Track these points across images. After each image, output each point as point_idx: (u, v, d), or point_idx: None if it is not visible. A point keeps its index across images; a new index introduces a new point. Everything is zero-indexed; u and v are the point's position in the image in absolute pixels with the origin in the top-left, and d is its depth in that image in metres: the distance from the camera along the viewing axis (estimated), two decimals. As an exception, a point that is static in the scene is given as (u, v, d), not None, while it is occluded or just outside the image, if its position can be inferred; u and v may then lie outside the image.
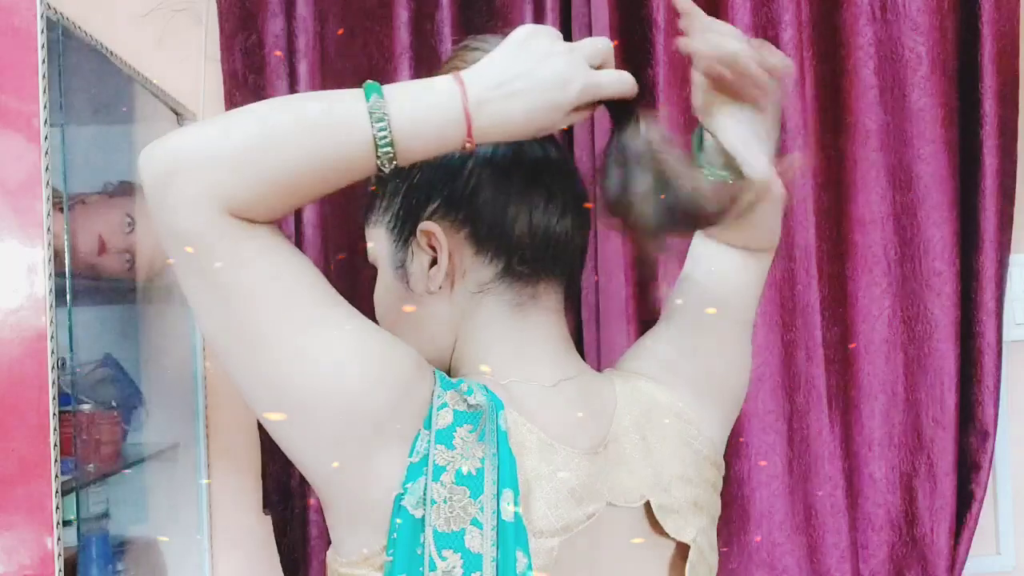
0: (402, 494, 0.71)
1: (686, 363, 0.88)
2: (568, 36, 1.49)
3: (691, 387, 0.87)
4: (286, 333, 0.70)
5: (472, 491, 0.72)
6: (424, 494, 0.71)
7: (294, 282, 0.71)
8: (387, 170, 0.70)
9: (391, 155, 0.69)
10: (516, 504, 0.72)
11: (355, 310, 0.73)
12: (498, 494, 0.72)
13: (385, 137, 0.68)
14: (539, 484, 0.75)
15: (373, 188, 0.86)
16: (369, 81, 0.70)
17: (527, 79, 0.70)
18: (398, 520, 0.70)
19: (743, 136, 0.80)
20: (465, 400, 0.74)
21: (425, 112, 0.69)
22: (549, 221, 0.81)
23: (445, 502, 0.71)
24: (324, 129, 0.68)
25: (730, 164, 0.81)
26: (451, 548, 0.70)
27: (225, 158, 0.67)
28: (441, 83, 0.71)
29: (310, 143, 0.68)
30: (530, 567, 0.71)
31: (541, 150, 0.82)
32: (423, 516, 0.70)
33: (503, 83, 0.70)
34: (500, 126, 0.71)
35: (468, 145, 0.71)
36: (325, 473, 0.73)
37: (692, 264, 0.93)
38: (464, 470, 0.72)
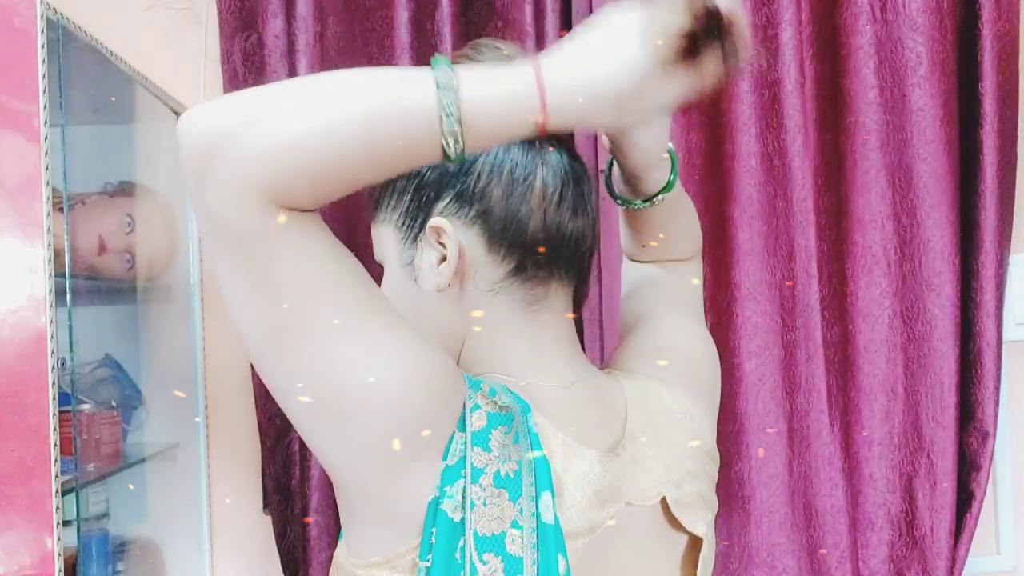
0: (439, 497, 0.69)
1: (669, 360, 0.89)
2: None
3: (681, 380, 0.88)
4: (331, 331, 0.67)
5: (511, 494, 0.71)
6: (463, 497, 0.69)
7: (340, 277, 0.68)
8: (453, 154, 0.65)
9: (458, 136, 0.64)
10: (555, 507, 0.71)
11: (395, 309, 0.72)
12: (537, 497, 0.71)
13: (452, 120, 0.64)
14: (566, 487, 0.75)
15: None
16: (438, 55, 0.66)
17: (601, 49, 0.66)
18: (435, 524, 0.69)
19: (650, 148, 0.81)
20: (494, 402, 0.73)
21: (495, 87, 0.65)
22: (562, 220, 0.80)
23: (485, 504, 0.70)
24: (387, 107, 0.64)
25: (635, 187, 0.85)
26: (492, 552, 0.69)
27: (283, 140, 0.62)
28: (517, 66, 0.67)
29: (376, 126, 0.64)
30: (568, 571, 0.71)
31: (557, 151, 0.81)
32: (462, 519, 0.69)
33: (576, 53, 0.66)
34: (578, 112, 0.66)
35: (539, 120, 0.65)
36: (356, 475, 0.71)
37: (629, 281, 0.98)
38: (502, 473, 0.71)
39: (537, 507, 0.71)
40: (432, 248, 0.80)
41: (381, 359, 0.68)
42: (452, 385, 0.72)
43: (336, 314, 0.67)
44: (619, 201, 0.89)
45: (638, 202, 0.87)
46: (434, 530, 0.69)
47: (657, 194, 0.86)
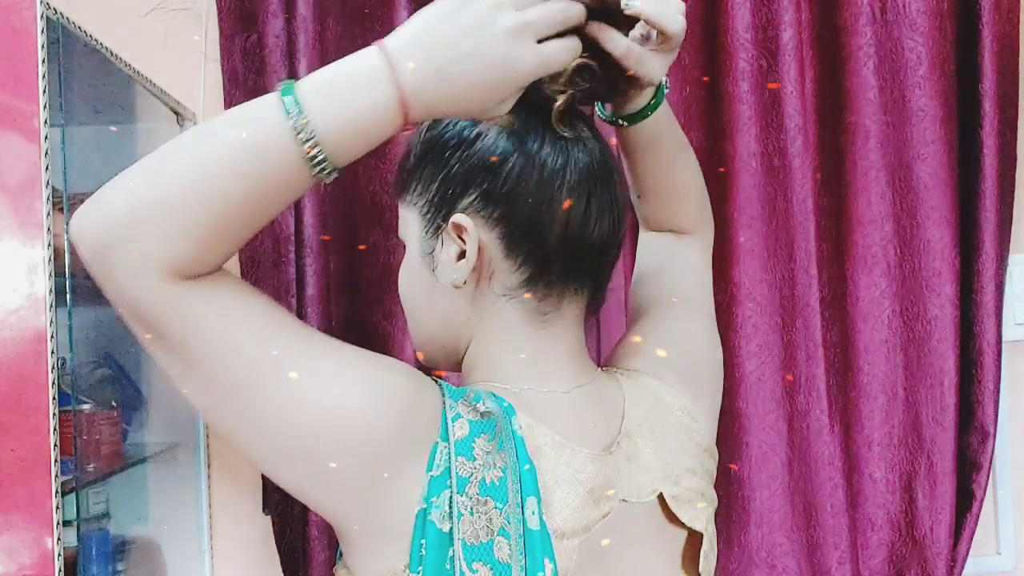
0: (426, 509, 0.69)
1: (669, 355, 0.89)
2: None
3: (681, 378, 0.88)
4: (272, 386, 0.67)
5: (497, 501, 0.70)
6: (450, 507, 0.69)
7: (272, 330, 0.67)
8: (328, 180, 0.66)
9: (326, 167, 0.65)
10: (540, 512, 0.71)
11: (333, 339, 0.70)
12: (522, 503, 0.71)
13: (317, 155, 0.64)
14: (558, 487, 0.74)
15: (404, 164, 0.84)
16: (284, 82, 0.66)
17: (468, 62, 0.66)
18: (424, 536, 0.69)
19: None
20: (475, 409, 0.73)
21: (355, 114, 0.65)
22: (585, 231, 0.79)
23: (472, 513, 0.69)
24: (250, 154, 0.64)
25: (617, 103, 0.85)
26: (481, 560, 0.69)
27: (155, 215, 0.63)
28: (369, 71, 0.66)
29: (238, 173, 0.64)
30: (556, 573, 0.71)
31: (587, 155, 0.80)
32: (451, 530, 0.69)
33: (441, 67, 0.66)
34: (438, 110, 0.68)
35: (407, 126, 0.68)
36: (342, 509, 0.71)
37: (640, 262, 0.97)
38: (487, 480, 0.70)
39: (523, 513, 0.71)
40: (453, 243, 0.79)
41: (330, 398, 0.68)
42: (418, 394, 0.72)
43: (275, 361, 0.67)
44: (602, 115, 0.88)
45: (609, 113, 0.86)
46: (423, 541, 0.69)
47: (636, 115, 0.85)
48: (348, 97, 0.65)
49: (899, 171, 1.64)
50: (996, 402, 1.63)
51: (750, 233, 1.60)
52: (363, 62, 0.66)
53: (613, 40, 0.76)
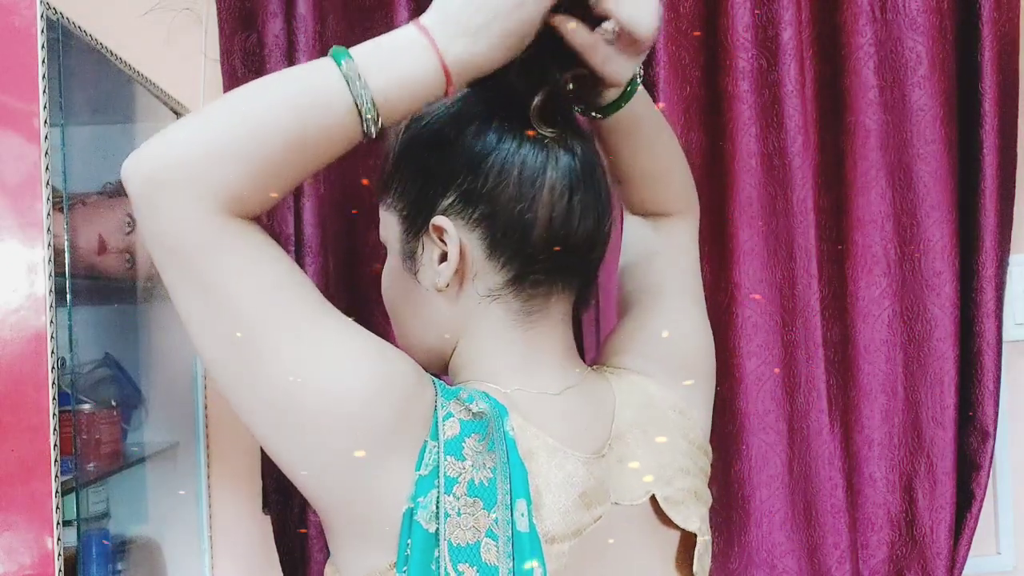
0: (413, 508, 0.69)
1: (658, 350, 0.88)
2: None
3: (671, 374, 0.87)
4: (286, 346, 0.67)
5: (485, 502, 0.70)
6: (437, 507, 0.69)
7: (294, 291, 0.69)
8: (374, 135, 0.69)
9: (376, 119, 0.68)
10: (530, 514, 0.71)
11: (350, 320, 0.71)
12: (511, 504, 0.71)
13: (369, 108, 0.68)
14: (549, 491, 0.74)
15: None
16: (336, 47, 0.69)
17: (487, 9, 0.69)
18: (410, 536, 0.68)
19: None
20: (468, 408, 0.72)
21: (401, 73, 0.69)
22: (569, 229, 0.78)
23: (459, 514, 0.69)
24: (307, 107, 0.67)
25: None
26: (467, 562, 0.68)
27: (214, 153, 0.65)
28: (409, 39, 0.69)
29: (295, 123, 0.67)
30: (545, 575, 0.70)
31: (569, 152, 0.79)
32: (437, 530, 0.69)
33: (464, 20, 0.69)
34: (477, 63, 0.70)
35: (450, 90, 0.71)
36: (329, 494, 0.70)
37: (625, 251, 0.96)
38: (476, 481, 0.70)
39: (512, 515, 0.70)
40: (433, 245, 0.79)
41: (337, 374, 0.68)
42: (417, 389, 0.72)
43: (291, 322, 0.68)
44: (575, 108, 0.85)
45: (580, 107, 0.84)
46: (409, 541, 0.68)
47: (609, 107, 0.82)
48: (393, 58, 0.69)
49: (899, 170, 1.64)
50: (996, 402, 1.63)
51: (750, 233, 1.60)
52: (400, 33, 0.70)
53: (578, 34, 0.74)
